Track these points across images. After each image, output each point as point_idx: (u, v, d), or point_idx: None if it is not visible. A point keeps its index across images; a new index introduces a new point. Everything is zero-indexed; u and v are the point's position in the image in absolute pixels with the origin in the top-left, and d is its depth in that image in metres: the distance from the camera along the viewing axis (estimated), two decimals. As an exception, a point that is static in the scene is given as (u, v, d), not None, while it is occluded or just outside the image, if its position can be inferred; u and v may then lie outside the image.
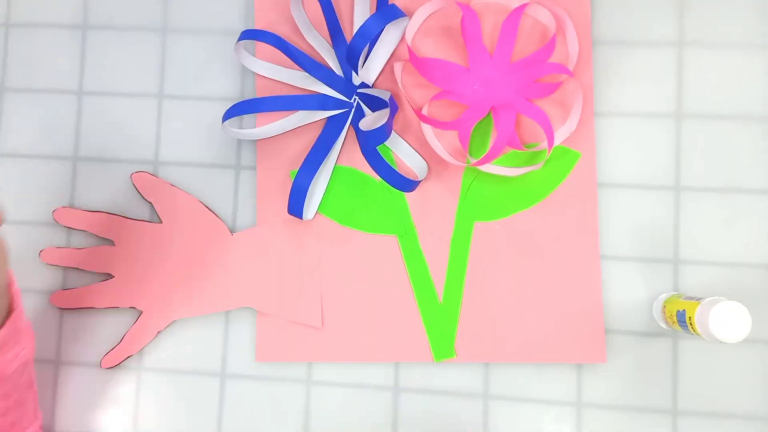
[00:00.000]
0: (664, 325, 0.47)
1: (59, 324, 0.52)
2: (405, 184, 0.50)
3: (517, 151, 0.50)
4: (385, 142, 0.50)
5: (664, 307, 0.47)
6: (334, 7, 0.50)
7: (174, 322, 0.51)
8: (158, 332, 0.51)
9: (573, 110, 0.49)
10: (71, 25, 0.54)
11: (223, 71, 0.53)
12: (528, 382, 0.49)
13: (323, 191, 0.51)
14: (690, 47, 0.50)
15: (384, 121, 0.47)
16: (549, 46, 0.49)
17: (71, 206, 0.53)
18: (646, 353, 0.48)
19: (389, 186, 0.50)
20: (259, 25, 0.52)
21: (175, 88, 0.53)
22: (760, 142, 0.49)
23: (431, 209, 0.50)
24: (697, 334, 0.43)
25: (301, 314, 0.50)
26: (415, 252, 0.50)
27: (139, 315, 0.51)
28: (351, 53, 0.47)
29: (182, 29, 0.53)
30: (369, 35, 0.47)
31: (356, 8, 0.51)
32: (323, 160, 0.49)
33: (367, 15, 0.51)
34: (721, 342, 0.41)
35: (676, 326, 0.45)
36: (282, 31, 0.52)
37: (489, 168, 0.49)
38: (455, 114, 0.50)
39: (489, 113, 0.50)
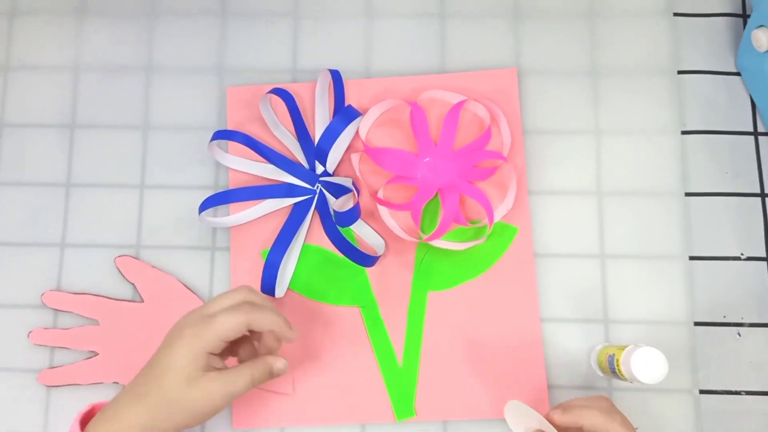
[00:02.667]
0: (600, 373, 0.53)
1: (47, 400, 0.55)
2: (365, 259, 0.55)
3: (463, 227, 0.56)
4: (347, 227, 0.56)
5: (598, 355, 0.53)
6: (299, 106, 0.57)
7: (155, 394, 0.55)
8: (140, 405, 0.54)
9: (509, 190, 0.56)
10: (60, 124, 0.60)
11: (199, 163, 0.58)
12: (482, 436, 0.54)
13: (293, 270, 0.56)
14: (606, 134, 0.58)
15: (352, 203, 0.53)
16: (485, 135, 0.56)
17: (58, 289, 0.57)
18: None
19: (351, 262, 0.56)
20: (231, 122, 0.59)
21: (156, 179, 0.58)
22: (671, 213, 0.56)
23: (389, 282, 0.56)
24: (624, 378, 0.48)
25: (273, 382, 0.54)
26: (377, 321, 0.55)
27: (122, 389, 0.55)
28: (320, 152, 0.54)
29: (162, 126, 0.59)
30: (335, 135, 0.54)
31: (317, 108, 0.58)
32: (291, 241, 0.55)
33: (327, 112, 0.58)
34: (642, 383, 0.46)
35: (607, 372, 0.51)
36: (252, 127, 0.58)
37: (439, 243, 0.55)
38: (407, 196, 0.57)
39: (436, 195, 0.56)
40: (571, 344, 0.54)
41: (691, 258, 0.55)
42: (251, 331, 0.47)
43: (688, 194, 0.56)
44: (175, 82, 0.60)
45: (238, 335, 0.45)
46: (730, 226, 0.56)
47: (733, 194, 0.56)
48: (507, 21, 0.60)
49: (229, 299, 0.46)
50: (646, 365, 0.46)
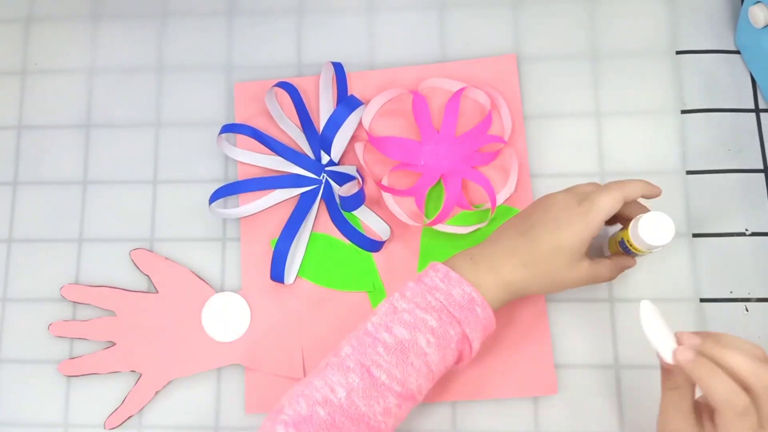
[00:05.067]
0: None
1: (67, 390, 0.57)
2: (372, 245, 0.57)
3: (466, 211, 0.57)
4: (352, 211, 0.57)
5: (609, 247, 0.54)
6: (303, 99, 0.59)
7: (170, 381, 0.56)
8: (156, 392, 0.56)
9: (511, 174, 0.57)
10: (76, 125, 0.62)
11: (209, 157, 0.60)
12: (491, 418, 0.54)
13: (301, 258, 0.57)
14: (606, 116, 0.58)
15: (357, 188, 0.54)
16: (486, 121, 0.57)
17: (76, 283, 0.59)
18: (592, 383, 0.54)
19: (358, 248, 0.57)
20: (238, 117, 0.60)
21: (168, 174, 0.60)
22: (674, 192, 0.56)
23: (396, 266, 0.57)
24: (640, 252, 0.49)
25: (284, 367, 0.56)
26: (384, 305, 0.56)
27: (139, 377, 0.56)
28: (324, 140, 0.56)
29: (173, 123, 0.61)
30: (338, 123, 0.56)
31: (321, 99, 0.59)
32: (299, 229, 0.56)
33: (331, 104, 0.59)
34: (655, 246, 0.47)
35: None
36: (259, 120, 0.60)
37: (443, 227, 0.56)
38: (411, 182, 0.58)
39: (440, 180, 0.57)
40: (578, 323, 0.55)
41: (695, 235, 0.56)
42: None
43: (689, 172, 0.57)
44: (185, 81, 0.62)
45: (614, 212, 0.47)
46: (734, 202, 0.56)
47: (735, 171, 0.56)
48: (506, 8, 0.61)
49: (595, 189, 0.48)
50: (654, 228, 0.47)
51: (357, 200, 0.54)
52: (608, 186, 0.48)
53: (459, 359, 0.48)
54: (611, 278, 0.50)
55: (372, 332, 0.46)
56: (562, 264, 0.47)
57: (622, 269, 0.51)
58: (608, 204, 0.46)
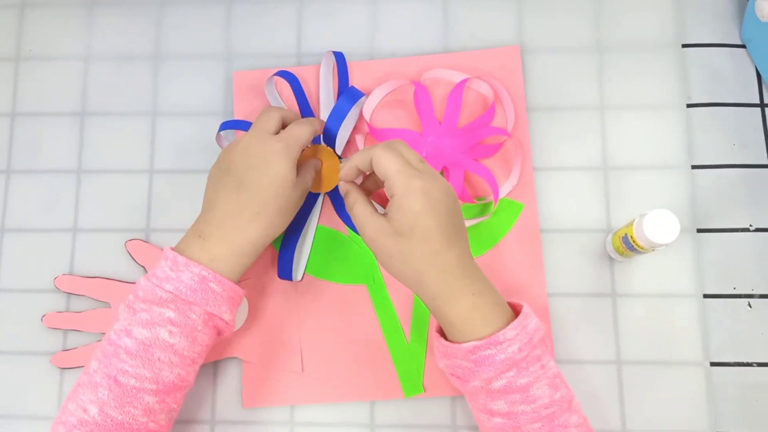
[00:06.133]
0: (620, 258, 0.53)
1: (60, 382, 0.56)
2: None
3: (468, 204, 0.56)
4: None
5: (612, 243, 0.53)
6: (303, 89, 0.58)
7: (166, 374, 0.55)
8: (152, 385, 0.55)
9: (514, 167, 0.56)
10: (71, 112, 0.61)
11: (206, 147, 0.59)
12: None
13: (308, 254, 0.56)
14: (610, 109, 0.58)
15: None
16: (489, 112, 0.57)
17: (71, 273, 0.58)
18: (593, 378, 0.54)
19: (358, 241, 0.56)
20: (237, 106, 0.59)
21: (164, 163, 0.59)
22: (678, 187, 0.56)
23: (396, 259, 0.56)
24: (643, 249, 0.49)
25: (282, 361, 0.55)
26: (384, 298, 0.56)
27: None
28: (328, 134, 0.55)
29: (170, 112, 0.60)
30: (341, 116, 0.55)
31: (321, 89, 0.58)
32: (305, 225, 0.55)
33: (331, 94, 0.58)
34: (659, 244, 0.46)
35: (627, 253, 0.51)
36: (257, 107, 0.59)
37: (445, 220, 0.55)
38: (412, 175, 0.57)
39: (442, 172, 0.57)
40: (579, 318, 0.54)
41: (699, 230, 0.55)
42: None
43: (694, 167, 0.56)
44: (182, 69, 0.61)
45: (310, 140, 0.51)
46: (738, 197, 0.55)
47: (740, 166, 0.56)
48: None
49: (271, 116, 0.51)
50: (658, 226, 0.46)
51: None
52: (298, 121, 0.52)
53: (219, 333, 0.49)
54: (312, 179, 0.53)
55: (115, 340, 0.46)
56: (288, 191, 0.49)
57: (315, 167, 0.55)
58: (304, 133, 0.50)
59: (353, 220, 0.47)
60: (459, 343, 0.44)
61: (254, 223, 0.48)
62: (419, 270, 0.44)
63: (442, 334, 0.47)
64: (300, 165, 0.52)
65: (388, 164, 0.44)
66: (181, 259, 0.47)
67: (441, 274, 0.44)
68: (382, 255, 0.45)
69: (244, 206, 0.48)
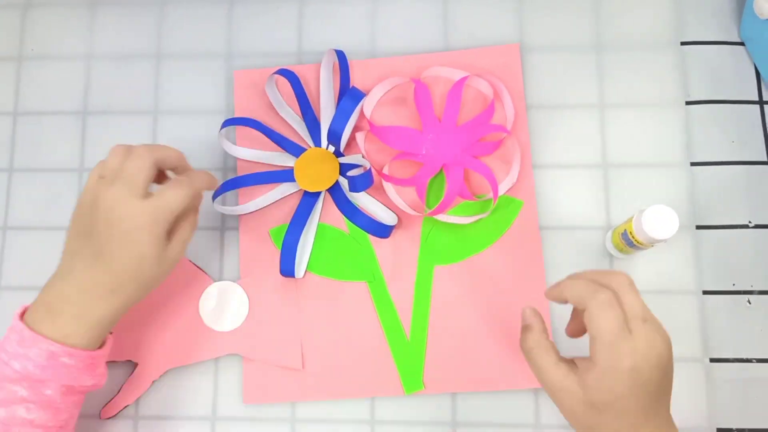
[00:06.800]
0: (620, 255, 0.54)
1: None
2: (381, 230, 0.55)
3: (468, 201, 0.56)
4: (355, 202, 0.57)
5: (612, 240, 0.53)
6: (304, 87, 0.58)
7: (167, 371, 0.56)
8: (153, 382, 0.55)
9: (513, 164, 0.57)
10: (73, 111, 0.61)
11: (208, 146, 0.59)
12: (491, 409, 0.54)
13: (310, 251, 0.56)
14: (610, 107, 0.58)
15: (367, 167, 0.54)
16: (489, 110, 0.57)
17: (73, 271, 0.58)
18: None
19: (358, 239, 0.57)
20: (238, 105, 0.60)
21: (166, 162, 0.60)
22: (677, 184, 0.56)
23: (396, 256, 0.56)
24: (643, 245, 0.49)
25: (283, 358, 0.55)
26: (384, 295, 0.56)
27: (135, 367, 0.56)
28: (333, 134, 0.55)
29: (171, 111, 0.61)
30: (346, 116, 0.55)
31: (322, 88, 0.59)
32: (306, 222, 0.56)
33: (332, 92, 0.59)
34: (659, 240, 0.46)
35: (627, 249, 0.51)
36: (258, 108, 0.59)
37: (445, 217, 0.56)
38: (412, 172, 0.57)
39: (441, 170, 0.57)
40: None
41: (699, 227, 0.55)
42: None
43: (693, 164, 0.56)
44: (184, 68, 0.61)
45: (185, 206, 0.46)
46: (737, 194, 0.55)
47: (739, 163, 0.56)
48: (508, -2, 0.60)
49: (142, 167, 0.45)
50: (658, 221, 0.46)
51: (366, 180, 0.53)
52: (177, 182, 0.46)
53: (90, 388, 0.47)
54: (192, 230, 0.48)
55: None
56: (148, 272, 0.45)
57: (196, 200, 0.49)
58: (178, 200, 0.45)
59: (527, 360, 0.42)
60: None
61: (107, 302, 0.45)
62: None
63: None
64: (177, 222, 0.47)
65: (604, 327, 0.38)
66: (27, 334, 0.44)
67: None
68: (565, 411, 0.41)
69: (98, 281, 0.45)
